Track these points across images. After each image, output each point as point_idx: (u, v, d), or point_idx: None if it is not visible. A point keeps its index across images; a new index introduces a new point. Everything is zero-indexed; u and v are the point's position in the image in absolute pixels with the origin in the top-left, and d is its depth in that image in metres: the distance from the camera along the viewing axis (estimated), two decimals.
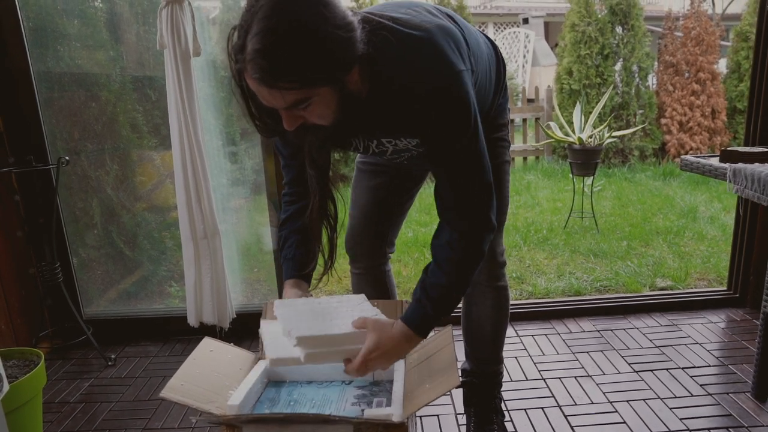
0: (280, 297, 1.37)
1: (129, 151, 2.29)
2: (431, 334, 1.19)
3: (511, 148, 1.43)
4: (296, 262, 1.28)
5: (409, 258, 3.32)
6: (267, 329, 1.21)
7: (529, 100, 7.09)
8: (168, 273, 2.44)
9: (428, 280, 1.12)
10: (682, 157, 1.66)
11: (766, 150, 1.49)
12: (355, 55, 0.92)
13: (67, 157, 2.05)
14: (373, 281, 1.56)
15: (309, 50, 0.87)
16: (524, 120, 6.40)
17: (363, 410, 1.19)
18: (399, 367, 1.24)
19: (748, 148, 1.54)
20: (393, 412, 1.14)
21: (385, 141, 1.17)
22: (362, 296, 1.30)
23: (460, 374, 1.56)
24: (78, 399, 1.88)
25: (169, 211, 2.39)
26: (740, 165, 1.40)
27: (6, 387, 1.10)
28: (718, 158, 1.57)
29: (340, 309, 1.20)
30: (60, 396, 1.90)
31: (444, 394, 1.16)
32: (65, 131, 2.21)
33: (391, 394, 1.23)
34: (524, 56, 11.10)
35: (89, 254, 2.35)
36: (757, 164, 1.43)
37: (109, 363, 2.11)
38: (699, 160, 1.58)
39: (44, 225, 2.14)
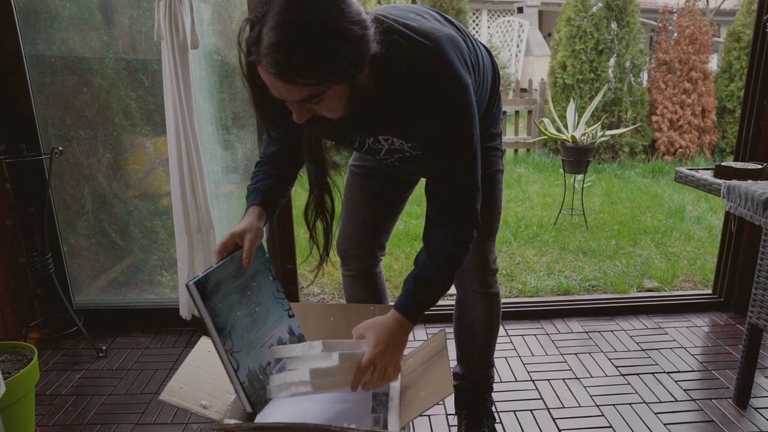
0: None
1: (121, 139, 2.25)
2: (426, 338, 1.21)
3: (502, 140, 1.44)
4: (262, 193, 1.22)
5: (401, 252, 3.33)
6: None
7: (522, 90, 7.08)
8: (158, 262, 2.43)
9: (420, 275, 1.14)
10: (676, 168, 1.68)
11: (759, 167, 1.51)
12: (370, 53, 0.93)
13: (60, 148, 2.01)
14: (364, 283, 1.58)
15: (327, 46, 0.86)
16: (516, 112, 6.40)
17: None
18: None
19: (742, 164, 1.56)
20: (390, 424, 1.15)
21: (382, 139, 1.19)
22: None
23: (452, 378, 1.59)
24: (69, 391, 1.88)
25: (161, 199, 2.37)
26: (734, 182, 1.43)
27: (3, 389, 1.09)
28: (712, 172, 1.60)
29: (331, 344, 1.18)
30: (51, 388, 1.90)
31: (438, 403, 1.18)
32: (57, 117, 2.17)
33: (387, 409, 1.25)
34: (518, 45, 11.07)
35: (79, 242, 2.33)
36: (750, 181, 1.46)
37: (100, 354, 2.10)
38: (693, 173, 1.60)
39: (35, 214, 2.11)
